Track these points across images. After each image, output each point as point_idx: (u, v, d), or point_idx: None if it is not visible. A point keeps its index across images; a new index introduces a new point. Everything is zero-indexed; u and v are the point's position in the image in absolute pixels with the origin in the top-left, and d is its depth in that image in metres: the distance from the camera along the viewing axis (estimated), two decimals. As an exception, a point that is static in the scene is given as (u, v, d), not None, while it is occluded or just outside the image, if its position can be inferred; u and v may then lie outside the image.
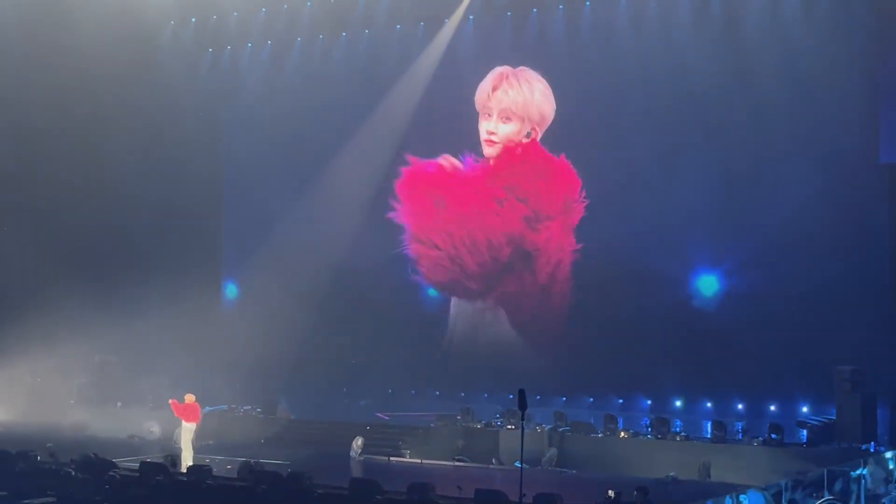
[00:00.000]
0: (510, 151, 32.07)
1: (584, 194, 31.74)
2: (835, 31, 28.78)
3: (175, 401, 25.99)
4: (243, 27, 37.82)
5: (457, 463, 26.96)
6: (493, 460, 27.02)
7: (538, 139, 32.31)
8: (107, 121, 35.76)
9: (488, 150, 32.54)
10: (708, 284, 30.70)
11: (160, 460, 23.94)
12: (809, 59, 28.95)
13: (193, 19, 38.13)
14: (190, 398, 25.96)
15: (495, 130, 31.69)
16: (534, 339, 33.10)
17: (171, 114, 36.80)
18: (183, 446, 25.51)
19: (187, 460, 24.87)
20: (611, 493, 19.67)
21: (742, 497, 18.15)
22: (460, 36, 34.85)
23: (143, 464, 22.97)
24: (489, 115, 32.22)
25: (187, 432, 25.70)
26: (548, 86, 32.33)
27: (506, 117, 31.84)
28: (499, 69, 32.89)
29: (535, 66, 33.53)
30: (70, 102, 35.40)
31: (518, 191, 32.45)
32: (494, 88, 32.04)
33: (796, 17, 29.64)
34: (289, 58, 37.63)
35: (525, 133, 31.87)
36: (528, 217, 32.63)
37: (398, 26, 35.90)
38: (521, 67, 32.79)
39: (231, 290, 38.31)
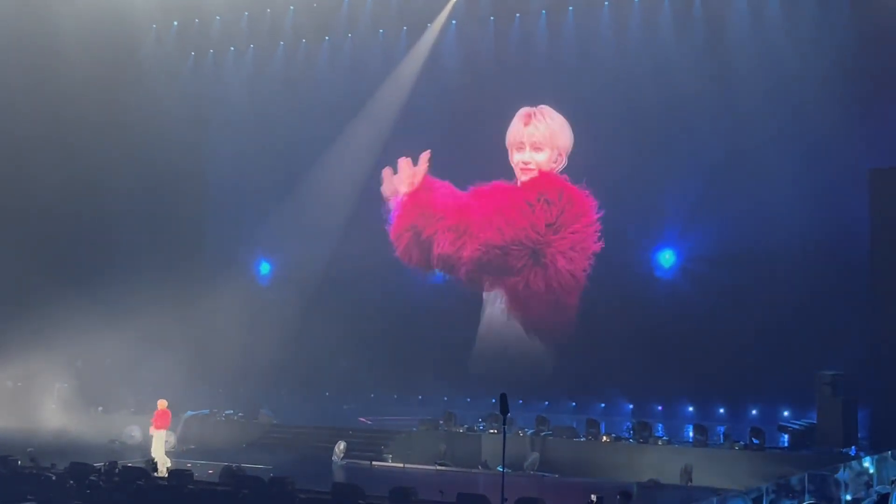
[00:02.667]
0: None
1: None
2: (817, 37, 28.94)
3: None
4: (226, 31, 37.76)
5: (439, 467, 26.96)
6: (479, 466, 27.01)
7: (564, 164, 33.33)
8: (89, 124, 35.64)
9: (524, 178, 33.75)
10: (666, 264, 31.33)
11: (141, 465, 23.87)
12: (792, 65, 29.19)
13: (176, 23, 38.06)
14: (162, 404, 25.79)
15: (530, 160, 33.63)
16: (517, 344, 33.17)
17: (154, 117, 36.71)
18: (157, 455, 25.25)
19: (163, 465, 24.73)
20: (593, 497, 19.63)
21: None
22: (443, 41, 34.91)
23: (124, 468, 22.89)
24: (522, 148, 33.69)
25: (158, 439, 25.54)
26: (565, 119, 33.36)
27: (537, 148, 33.58)
28: (525, 109, 33.69)
29: (518, 71, 33.74)
30: (52, 106, 35.29)
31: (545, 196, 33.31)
32: (525, 124, 33.72)
33: (778, 23, 29.84)
34: (272, 62, 37.62)
35: (554, 159, 33.43)
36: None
37: (381, 31, 35.93)
38: (541, 106, 33.56)
39: (213, 296, 38.14)
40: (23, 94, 34.95)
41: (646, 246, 31.54)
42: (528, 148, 33.54)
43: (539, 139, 33.46)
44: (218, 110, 38.50)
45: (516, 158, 33.72)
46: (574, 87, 32.75)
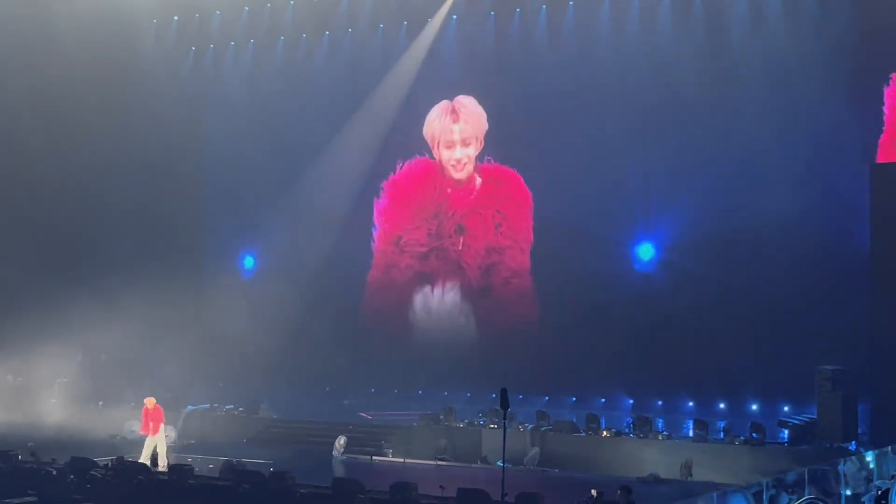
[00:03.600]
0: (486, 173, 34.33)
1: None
2: (817, 31, 28.91)
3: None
4: (226, 26, 37.76)
5: (439, 462, 26.97)
6: (479, 461, 27.03)
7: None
8: (89, 121, 35.63)
9: (459, 175, 34.47)
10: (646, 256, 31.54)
11: (145, 461, 23.89)
12: (792, 58, 29.14)
13: (176, 18, 38.04)
14: (150, 402, 25.49)
15: (462, 156, 34.40)
16: (515, 339, 33.19)
17: (154, 113, 36.69)
18: (160, 450, 25.13)
19: (164, 460, 24.73)
20: (593, 492, 19.67)
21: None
22: (444, 36, 34.90)
23: (125, 463, 22.90)
24: (452, 146, 34.50)
25: (160, 436, 25.39)
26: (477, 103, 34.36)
27: (466, 143, 34.38)
28: (443, 103, 34.58)
29: (518, 66, 33.75)
30: (52, 102, 35.28)
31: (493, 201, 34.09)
32: (454, 121, 34.47)
33: (778, 16, 29.80)
34: (272, 57, 37.60)
35: (478, 148, 34.36)
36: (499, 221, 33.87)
37: (381, 26, 35.92)
38: (457, 97, 34.38)
39: (213, 291, 38.15)
40: (23, 91, 34.93)
41: (648, 239, 31.50)
42: (458, 145, 34.34)
43: (469, 134, 34.27)
44: (217, 105, 38.45)
45: (446, 155, 34.49)
46: (573, 81, 32.66)
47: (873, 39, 27.86)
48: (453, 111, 34.18)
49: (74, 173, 36.01)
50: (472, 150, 34.05)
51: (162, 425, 25.43)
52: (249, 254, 37.97)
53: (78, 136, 35.75)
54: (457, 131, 34.12)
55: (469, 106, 34.08)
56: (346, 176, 35.43)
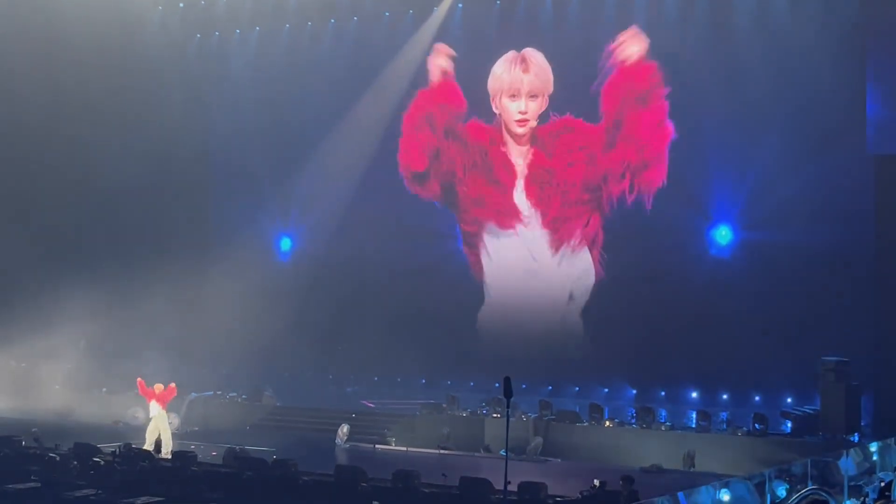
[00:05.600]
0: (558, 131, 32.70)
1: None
2: (822, 21, 28.78)
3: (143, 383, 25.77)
4: (232, 13, 37.64)
5: (442, 451, 27.00)
6: (482, 450, 27.05)
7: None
8: (94, 106, 35.53)
9: (520, 129, 33.00)
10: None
11: (148, 448, 23.92)
12: (797, 49, 28.95)
13: (181, 4, 37.96)
14: (159, 387, 25.66)
15: (526, 110, 32.78)
16: (520, 328, 33.16)
17: (159, 99, 36.59)
18: (164, 435, 25.12)
19: (167, 444, 24.75)
20: (596, 482, 19.73)
21: (724, 490, 18.18)
22: (449, 23, 34.79)
23: (129, 450, 22.93)
24: (517, 96, 32.95)
25: (163, 419, 25.39)
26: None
27: (533, 95, 32.82)
28: (513, 53, 33.15)
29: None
30: (56, 88, 35.17)
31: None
32: (525, 71, 32.87)
33: (784, 6, 29.67)
34: (277, 44, 37.50)
35: (542, 105, 32.74)
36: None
37: (386, 13, 35.81)
38: (526, 49, 33.02)
39: (217, 277, 38.15)
40: (26, 77, 34.79)
41: (645, 231, 31.42)
42: (523, 96, 32.85)
43: (539, 86, 32.70)
44: (222, 93, 38.39)
45: (512, 108, 32.91)
46: (580, 69, 32.56)
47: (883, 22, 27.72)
48: (522, 59, 32.69)
49: (78, 159, 35.94)
50: (536, 105, 32.59)
51: (164, 409, 25.48)
52: (253, 239, 37.85)
53: (82, 122, 35.64)
54: (526, 81, 32.58)
55: (539, 57, 32.60)
56: (351, 164, 35.36)
